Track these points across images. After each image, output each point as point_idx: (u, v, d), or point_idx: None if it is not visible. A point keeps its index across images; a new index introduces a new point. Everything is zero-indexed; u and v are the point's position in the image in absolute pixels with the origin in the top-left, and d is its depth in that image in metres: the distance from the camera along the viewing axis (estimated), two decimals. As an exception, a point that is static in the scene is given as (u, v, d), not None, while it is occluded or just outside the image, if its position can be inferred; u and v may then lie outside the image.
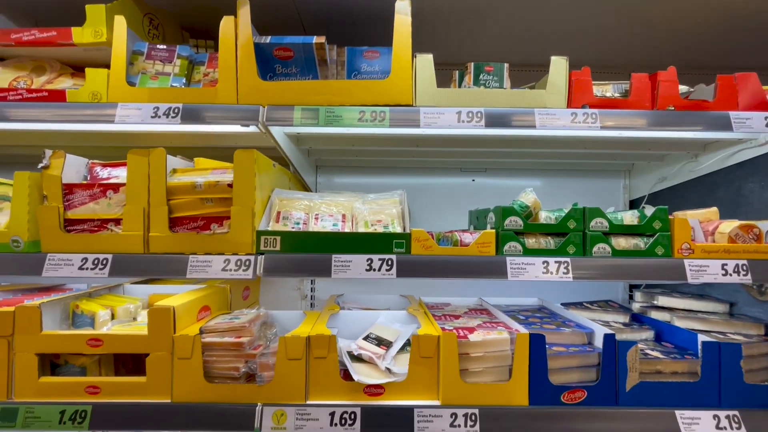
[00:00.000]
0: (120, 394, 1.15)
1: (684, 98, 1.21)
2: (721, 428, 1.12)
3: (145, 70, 1.23)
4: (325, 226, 1.25)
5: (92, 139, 1.46)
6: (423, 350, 1.17)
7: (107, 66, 1.18)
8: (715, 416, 1.13)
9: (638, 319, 1.51)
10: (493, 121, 1.15)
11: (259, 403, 1.13)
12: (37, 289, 1.57)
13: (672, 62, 1.26)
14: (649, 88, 1.20)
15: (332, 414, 1.13)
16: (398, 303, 1.73)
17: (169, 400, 1.15)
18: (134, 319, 1.37)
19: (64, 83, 1.27)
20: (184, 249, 1.15)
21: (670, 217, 1.21)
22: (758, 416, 1.14)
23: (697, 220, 1.26)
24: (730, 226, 1.19)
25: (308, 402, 1.15)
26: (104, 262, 1.13)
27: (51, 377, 1.16)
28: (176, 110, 1.13)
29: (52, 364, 1.23)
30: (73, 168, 1.24)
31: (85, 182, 1.22)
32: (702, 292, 1.57)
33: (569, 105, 1.20)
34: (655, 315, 1.47)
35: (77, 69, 1.36)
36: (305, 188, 1.84)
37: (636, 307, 1.57)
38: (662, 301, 1.51)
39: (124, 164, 1.33)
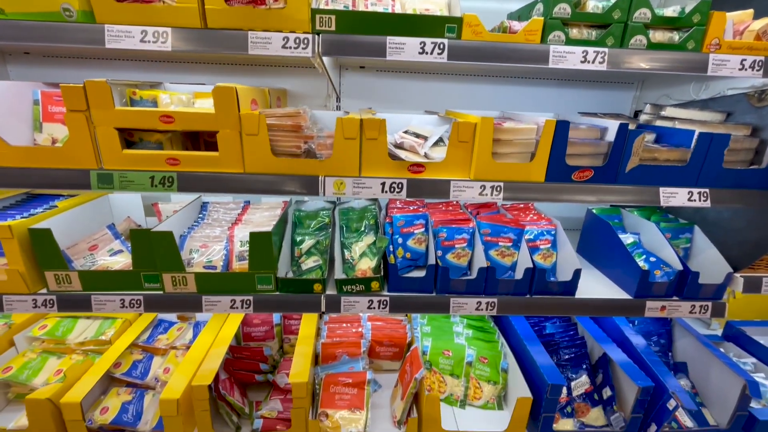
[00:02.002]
0: (197, 166, 1.32)
1: None
2: (692, 200, 1.41)
3: None
4: (375, 10, 1.25)
5: None
6: (461, 135, 1.34)
7: None
8: (689, 192, 1.41)
9: (643, 127, 1.69)
10: None
11: (320, 175, 1.34)
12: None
13: None
14: None
15: (383, 184, 1.35)
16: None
17: (242, 172, 1.33)
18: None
19: None
20: (242, 24, 1.16)
21: (708, 14, 1.26)
22: (722, 192, 1.42)
23: (731, 21, 1.31)
24: (761, 23, 1.26)
25: (362, 176, 1.36)
26: (164, 35, 1.15)
27: (134, 150, 1.30)
28: None
29: (127, 142, 1.37)
30: (99, -71, 1.13)
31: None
32: (705, 106, 1.72)
33: None
34: (659, 124, 1.65)
35: None
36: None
37: (643, 118, 1.73)
38: (668, 111, 1.67)
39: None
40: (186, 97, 1.45)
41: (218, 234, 1.64)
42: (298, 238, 1.70)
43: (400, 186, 1.35)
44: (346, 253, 1.69)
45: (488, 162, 1.34)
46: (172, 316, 2.03)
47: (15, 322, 1.77)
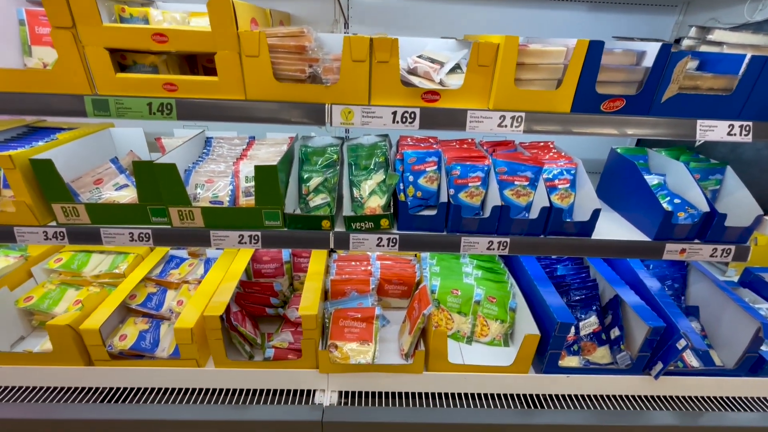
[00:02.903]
0: (196, 92, 1.23)
1: None
2: (732, 134, 1.29)
3: None
4: None
5: None
6: (482, 58, 1.21)
7: None
8: (730, 125, 1.28)
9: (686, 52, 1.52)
10: None
11: (326, 103, 1.24)
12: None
13: None
14: None
15: (394, 113, 1.25)
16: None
17: (243, 99, 1.25)
18: (184, 29, 1.34)
19: None
20: None
21: None
22: (767, 126, 1.29)
23: None
24: None
25: (371, 104, 1.26)
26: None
27: (127, 74, 1.21)
28: None
29: (121, 66, 1.28)
30: None
31: None
32: (759, 29, 1.53)
33: None
34: (704, 49, 1.48)
35: None
36: None
37: (686, 44, 1.55)
38: (716, 35, 1.48)
39: None
40: (180, 16, 1.33)
41: (223, 169, 1.59)
42: (305, 175, 1.64)
43: (412, 115, 1.26)
44: (355, 191, 1.63)
45: (510, 89, 1.23)
46: (183, 253, 2.05)
47: (31, 254, 1.80)
